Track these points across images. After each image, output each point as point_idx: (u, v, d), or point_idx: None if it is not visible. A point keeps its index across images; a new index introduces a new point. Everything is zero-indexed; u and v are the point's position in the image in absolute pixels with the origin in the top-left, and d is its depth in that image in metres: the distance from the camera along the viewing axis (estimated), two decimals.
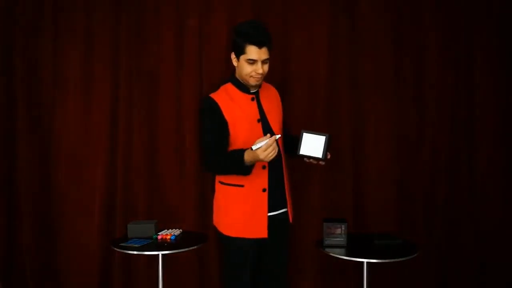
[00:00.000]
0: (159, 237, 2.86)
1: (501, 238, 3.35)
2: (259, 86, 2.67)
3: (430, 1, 3.35)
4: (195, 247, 2.77)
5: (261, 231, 2.59)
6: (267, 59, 2.54)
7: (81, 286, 3.37)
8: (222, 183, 2.66)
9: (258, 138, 2.52)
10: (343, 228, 2.72)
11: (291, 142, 2.69)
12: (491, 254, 3.36)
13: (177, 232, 2.95)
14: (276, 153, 2.39)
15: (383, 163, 3.35)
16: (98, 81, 3.34)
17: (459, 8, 3.35)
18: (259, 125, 2.61)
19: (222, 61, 3.22)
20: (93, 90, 3.35)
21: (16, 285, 3.35)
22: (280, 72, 3.24)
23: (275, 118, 2.69)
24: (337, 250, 2.68)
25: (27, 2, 3.32)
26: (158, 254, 2.74)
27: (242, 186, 2.58)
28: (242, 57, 2.53)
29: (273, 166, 2.56)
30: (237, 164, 2.48)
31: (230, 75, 2.69)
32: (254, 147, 2.37)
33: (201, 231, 3.16)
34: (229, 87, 2.65)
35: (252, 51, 2.50)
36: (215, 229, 2.74)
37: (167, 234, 2.88)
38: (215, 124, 2.56)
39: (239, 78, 2.63)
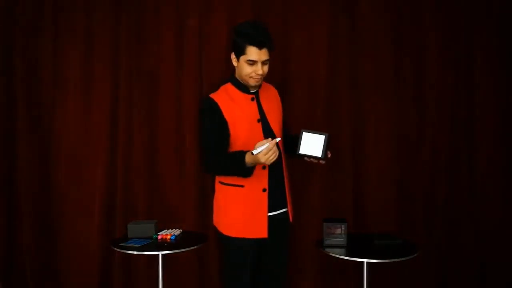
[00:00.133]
0: (159, 237, 2.86)
1: (501, 238, 3.35)
2: (259, 86, 2.67)
3: (430, 1, 3.35)
4: (195, 247, 2.78)
5: (261, 231, 2.59)
6: (267, 60, 2.54)
7: (81, 286, 3.37)
8: (222, 183, 2.66)
9: (258, 138, 2.53)
10: (343, 228, 2.72)
11: (291, 142, 2.69)
12: (491, 254, 3.36)
13: (177, 232, 2.95)
14: (276, 156, 2.39)
15: (383, 163, 3.35)
16: (98, 81, 3.34)
17: (459, 8, 3.35)
18: (259, 125, 2.61)
19: (222, 61, 3.22)
20: (93, 90, 3.35)
21: (16, 285, 3.35)
22: (280, 72, 3.24)
23: (275, 118, 2.69)
24: (337, 250, 2.68)
25: (27, 2, 3.32)
26: (158, 254, 2.74)
27: (242, 186, 2.58)
28: (242, 58, 2.53)
29: (273, 166, 2.56)
30: (238, 166, 2.48)
31: (230, 75, 2.69)
32: (255, 152, 2.36)
33: (201, 231, 3.16)
34: (229, 87, 2.65)
35: (252, 52, 2.50)
36: (215, 229, 2.74)
37: (167, 234, 2.88)
38: (215, 124, 2.56)
39: (239, 78, 2.63)
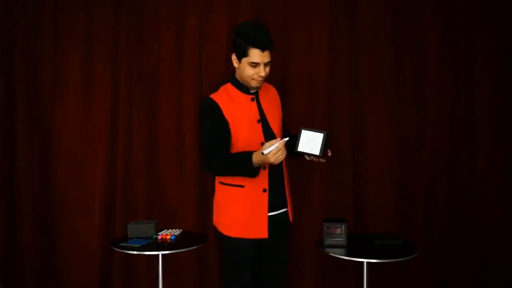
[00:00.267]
0: (159, 237, 2.86)
1: (501, 238, 3.35)
2: (259, 87, 2.67)
3: (430, 1, 3.35)
4: (195, 247, 2.77)
5: (261, 232, 2.59)
6: (269, 61, 2.54)
7: (81, 286, 3.37)
8: (222, 183, 2.66)
9: (259, 138, 2.54)
10: (343, 228, 2.72)
11: (290, 141, 2.69)
12: (491, 254, 3.36)
13: (177, 232, 2.95)
14: (284, 156, 2.40)
15: (383, 163, 3.35)
16: (98, 81, 3.34)
17: (459, 8, 3.35)
18: (259, 125, 2.61)
19: (222, 61, 3.22)
20: (93, 90, 3.35)
21: (16, 285, 3.35)
22: (280, 72, 3.24)
23: (274, 119, 2.68)
24: (337, 250, 2.68)
25: (27, 2, 3.32)
26: (158, 254, 2.74)
27: (242, 186, 2.58)
28: (245, 60, 2.52)
29: (273, 166, 2.56)
30: (245, 166, 2.48)
31: (230, 76, 2.69)
32: (265, 151, 2.38)
33: (201, 231, 3.16)
34: (229, 87, 2.64)
35: (255, 55, 2.49)
36: (215, 229, 2.74)
37: (167, 234, 2.88)
38: (215, 124, 2.56)
39: (239, 79, 2.63)
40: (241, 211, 2.59)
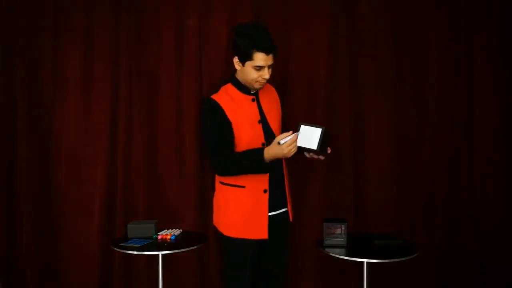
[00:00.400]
0: (159, 237, 2.86)
1: (501, 238, 3.35)
2: (261, 88, 2.67)
3: (430, 1, 3.35)
4: (195, 247, 2.78)
5: (261, 232, 2.59)
6: (272, 64, 2.54)
7: (81, 286, 3.36)
8: (222, 183, 2.66)
9: (259, 139, 2.56)
10: (343, 228, 2.72)
11: None
12: (491, 254, 3.36)
13: (177, 232, 2.95)
14: (296, 150, 2.45)
15: (383, 163, 3.35)
16: (98, 81, 3.34)
17: (459, 8, 3.35)
18: (260, 126, 2.61)
19: (222, 61, 3.22)
20: (93, 90, 3.34)
21: (16, 285, 3.35)
22: (280, 72, 3.23)
23: (274, 119, 2.69)
24: (337, 250, 2.68)
25: (27, 2, 3.31)
26: (158, 254, 2.74)
27: (243, 187, 2.58)
28: (249, 63, 2.52)
29: (274, 166, 2.56)
30: (257, 163, 2.50)
31: (230, 76, 2.69)
32: (281, 141, 2.44)
33: (201, 231, 3.16)
34: (229, 88, 2.65)
35: (260, 58, 2.49)
36: (215, 229, 2.74)
37: (167, 234, 2.88)
38: (215, 124, 2.56)
39: (241, 81, 2.63)
40: (241, 211, 2.60)
